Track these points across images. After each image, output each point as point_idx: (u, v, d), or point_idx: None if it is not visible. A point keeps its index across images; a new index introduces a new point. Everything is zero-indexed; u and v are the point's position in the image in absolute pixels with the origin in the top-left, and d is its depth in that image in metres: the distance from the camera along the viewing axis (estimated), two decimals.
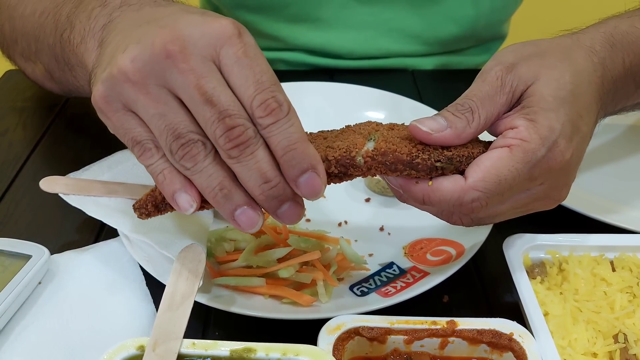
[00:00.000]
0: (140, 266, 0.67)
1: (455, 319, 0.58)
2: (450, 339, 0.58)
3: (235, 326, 0.64)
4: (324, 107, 0.95)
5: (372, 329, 0.57)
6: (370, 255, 0.73)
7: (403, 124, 0.60)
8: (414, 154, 0.55)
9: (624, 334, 0.61)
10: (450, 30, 1.12)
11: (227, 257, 0.69)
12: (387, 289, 0.66)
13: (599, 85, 0.61)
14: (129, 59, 0.51)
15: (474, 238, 0.70)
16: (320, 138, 0.59)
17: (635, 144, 0.94)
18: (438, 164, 0.55)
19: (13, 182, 0.85)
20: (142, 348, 0.53)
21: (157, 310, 0.59)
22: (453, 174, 0.56)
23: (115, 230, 0.70)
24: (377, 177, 0.81)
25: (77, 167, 0.77)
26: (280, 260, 0.67)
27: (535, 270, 0.68)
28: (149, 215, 0.58)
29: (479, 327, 0.58)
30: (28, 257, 0.66)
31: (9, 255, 0.66)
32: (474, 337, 0.58)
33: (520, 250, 0.67)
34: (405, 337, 0.58)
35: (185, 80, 0.50)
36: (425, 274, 0.68)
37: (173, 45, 0.50)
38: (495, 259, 0.70)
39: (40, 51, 0.80)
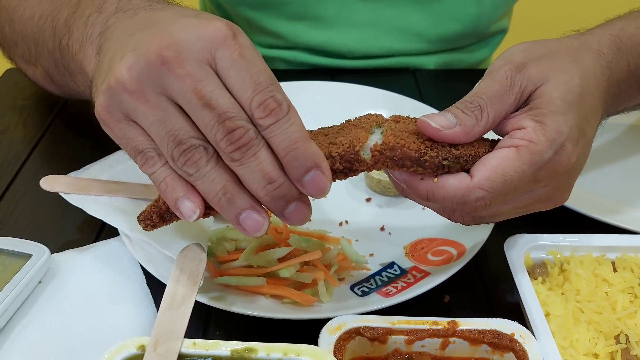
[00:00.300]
0: (141, 265, 0.67)
1: (457, 319, 0.58)
2: (452, 339, 0.58)
3: (236, 326, 0.64)
4: (325, 107, 0.95)
5: (373, 329, 0.57)
6: (371, 255, 0.73)
7: (409, 117, 0.60)
8: (422, 151, 0.54)
9: (625, 334, 0.60)
10: (453, 28, 1.12)
11: (228, 256, 0.69)
12: (388, 289, 0.66)
13: (604, 89, 0.62)
14: (125, 69, 0.51)
15: (475, 238, 0.70)
16: (322, 135, 0.58)
17: (636, 143, 0.94)
18: (445, 162, 0.55)
19: (13, 180, 0.85)
20: (142, 348, 0.53)
21: (157, 309, 0.59)
22: (458, 172, 0.56)
23: (116, 229, 0.70)
24: (378, 177, 0.81)
25: (77, 165, 0.77)
26: (281, 259, 0.67)
27: (537, 270, 0.68)
28: (154, 226, 0.58)
29: (480, 328, 0.58)
30: (28, 256, 0.66)
31: (9, 255, 0.66)
32: (475, 338, 0.58)
33: (522, 250, 0.66)
34: (406, 337, 0.57)
35: (183, 86, 0.50)
36: (426, 274, 0.68)
37: (168, 52, 0.50)
38: (496, 259, 0.69)
39: (40, 55, 0.80)
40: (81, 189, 0.73)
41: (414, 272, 0.69)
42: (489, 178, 0.54)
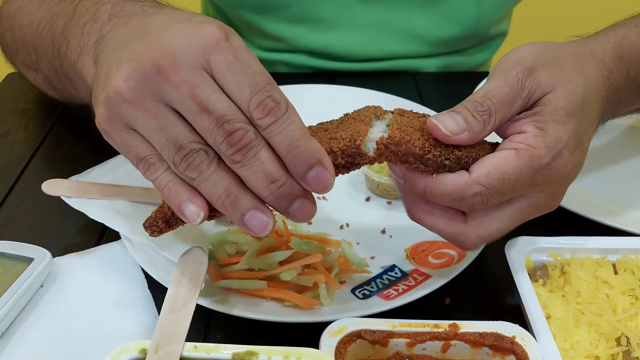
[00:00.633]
0: (142, 269, 0.67)
1: (458, 322, 0.58)
2: (452, 342, 0.58)
3: (237, 329, 0.64)
4: (326, 110, 0.95)
5: (374, 332, 0.57)
6: (372, 258, 0.73)
7: (412, 112, 0.60)
8: (427, 149, 0.54)
9: (626, 336, 0.60)
10: (453, 30, 1.12)
11: (229, 259, 0.69)
12: (389, 292, 0.66)
13: (603, 99, 0.62)
14: (122, 79, 0.51)
15: None
16: (322, 130, 0.58)
17: (637, 145, 0.94)
18: (447, 162, 0.55)
19: (15, 184, 0.85)
20: (144, 351, 0.53)
21: (159, 313, 0.59)
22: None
23: (117, 232, 0.70)
24: (378, 180, 0.81)
25: (78, 168, 0.77)
26: (282, 263, 0.67)
27: (537, 272, 0.68)
28: (160, 232, 0.58)
29: (481, 330, 0.58)
30: (30, 260, 0.66)
31: (10, 258, 0.66)
32: (476, 340, 0.58)
33: (522, 252, 0.67)
34: (407, 340, 0.57)
35: (180, 93, 0.50)
36: (427, 276, 0.68)
37: (163, 60, 0.50)
38: (497, 261, 0.69)
39: (40, 61, 0.80)
40: (82, 193, 0.73)
41: (414, 275, 0.69)
42: (487, 174, 0.54)
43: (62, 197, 0.73)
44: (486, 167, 0.55)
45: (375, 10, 1.10)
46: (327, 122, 0.60)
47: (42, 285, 0.66)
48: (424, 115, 0.59)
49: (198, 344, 0.53)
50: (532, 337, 0.57)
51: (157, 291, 0.66)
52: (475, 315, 0.67)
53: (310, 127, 0.59)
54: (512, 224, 0.59)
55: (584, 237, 0.69)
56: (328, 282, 0.65)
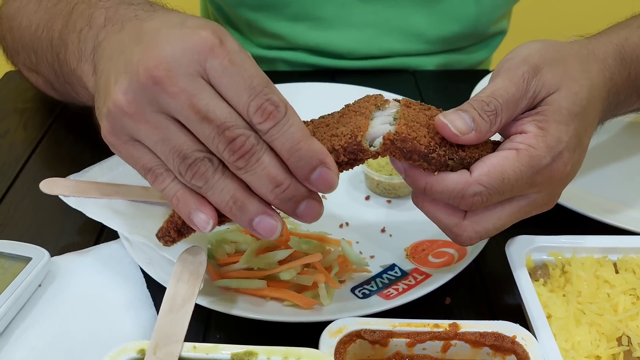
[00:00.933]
0: (141, 268, 0.67)
1: (458, 322, 0.58)
2: (453, 341, 0.58)
3: (236, 329, 0.64)
4: (325, 108, 0.94)
5: (374, 331, 0.57)
6: (372, 257, 0.73)
7: (419, 103, 0.59)
8: (432, 147, 0.54)
9: (627, 336, 0.60)
10: (453, 28, 1.12)
11: (228, 259, 0.69)
12: (389, 291, 0.66)
13: (604, 100, 0.63)
14: (121, 93, 0.51)
15: None
16: (323, 125, 0.58)
17: (637, 141, 0.93)
18: (450, 162, 0.55)
19: (13, 183, 0.85)
20: (142, 351, 0.52)
21: (157, 313, 0.59)
22: None
23: (116, 232, 0.70)
24: (378, 178, 0.81)
25: (77, 168, 0.77)
26: (281, 262, 0.66)
27: (538, 272, 0.67)
28: (173, 241, 0.58)
29: (481, 330, 0.57)
30: (28, 259, 0.66)
31: (9, 258, 0.66)
32: (477, 340, 0.57)
33: (523, 252, 0.66)
34: (408, 340, 0.57)
35: (178, 103, 0.50)
36: (427, 276, 0.68)
37: (158, 71, 0.50)
38: (497, 260, 0.69)
39: (40, 63, 0.80)
40: (81, 192, 0.73)
41: (414, 274, 0.69)
42: (487, 174, 0.55)
43: (60, 196, 0.73)
44: (487, 167, 0.55)
45: (375, 8, 1.10)
46: (328, 115, 0.60)
47: (40, 285, 0.66)
48: (429, 109, 0.59)
49: (197, 344, 0.53)
50: (533, 337, 0.57)
51: (156, 291, 0.66)
52: (475, 314, 0.67)
53: (312, 121, 0.59)
54: (508, 222, 0.59)
55: (585, 236, 0.69)
56: (328, 281, 0.65)
